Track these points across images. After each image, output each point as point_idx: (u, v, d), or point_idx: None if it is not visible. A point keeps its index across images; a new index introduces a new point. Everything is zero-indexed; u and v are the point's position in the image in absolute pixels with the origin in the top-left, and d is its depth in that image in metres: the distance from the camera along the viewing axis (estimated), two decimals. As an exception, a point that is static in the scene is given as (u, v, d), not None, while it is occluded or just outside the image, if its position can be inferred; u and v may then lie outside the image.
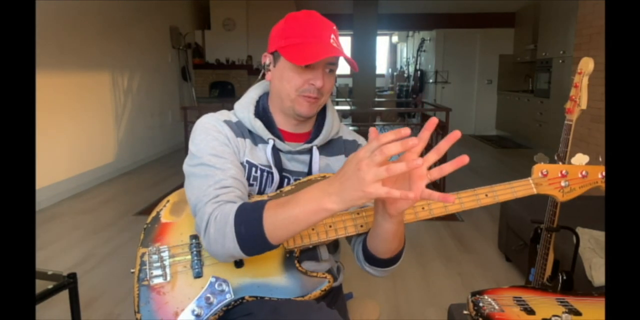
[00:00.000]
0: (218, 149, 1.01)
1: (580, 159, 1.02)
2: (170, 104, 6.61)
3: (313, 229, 0.99)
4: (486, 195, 0.99)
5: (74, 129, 4.38)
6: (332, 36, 1.00)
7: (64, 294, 1.51)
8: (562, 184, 1.01)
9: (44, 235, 3.21)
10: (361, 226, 0.99)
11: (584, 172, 1.00)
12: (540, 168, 1.01)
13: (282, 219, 0.82)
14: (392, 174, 0.68)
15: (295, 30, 1.01)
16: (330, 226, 0.99)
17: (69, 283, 1.51)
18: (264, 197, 1.04)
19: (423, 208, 0.99)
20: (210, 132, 1.03)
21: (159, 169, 5.48)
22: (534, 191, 1.00)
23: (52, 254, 2.90)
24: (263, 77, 1.11)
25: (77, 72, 4.44)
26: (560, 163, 1.03)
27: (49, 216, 3.65)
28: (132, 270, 1.02)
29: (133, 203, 4.03)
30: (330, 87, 1.04)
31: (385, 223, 0.89)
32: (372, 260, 1.01)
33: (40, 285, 1.46)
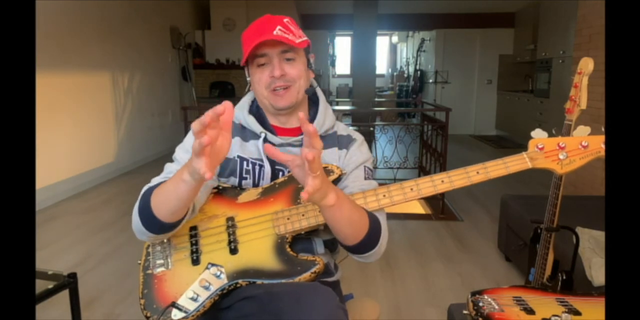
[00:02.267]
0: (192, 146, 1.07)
1: (582, 130, 0.99)
2: (170, 104, 6.61)
3: (303, 215, 1.03)
4: (477, 172, 0.99)
5: (74, 129, 4.38)
6: (279, 27, 1.05)
7: (64, 294, 1.51)
8: (560, 156, 0.98)
9: (44, 235, 3.21)
10: None
11: (584, 143, 0.97)
12: (535, 142, 0.99)
13: (160, 192, 0.93)
14: (201, 144, 0.76)
15: (246, 39, 1.08)
16: (319, 211, 1.01)
17: (69, 283, 1.51)
18: (259, 190, 1.10)
19: (412, 189, 1.01)
20: None
21: (159, 169, 5.41)
22: (529, 165, 0.98)
23: (52, 254, 2.90)
24: (249, 89, 1.18)
25: (78, 72, 4.44)
26: (559, 137, 1.00)
27: (49, 216, 3.65)
28: (138, 261, 1.08)
29: (133, 203, 4.02)
30: (298, 73, 1.08)
31: (321, 210, 0.95)
32: (344, 247, 1.06)
33: (40, 285, 1.46)
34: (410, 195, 1.00)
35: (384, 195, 1.02)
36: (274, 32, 1.04)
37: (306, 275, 1.00)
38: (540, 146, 0.98)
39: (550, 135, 1.02)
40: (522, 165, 0.98)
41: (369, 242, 1.02)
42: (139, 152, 5.65)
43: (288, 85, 1.08)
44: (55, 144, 4.07)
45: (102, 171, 4.83)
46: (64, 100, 4.22)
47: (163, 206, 0.94)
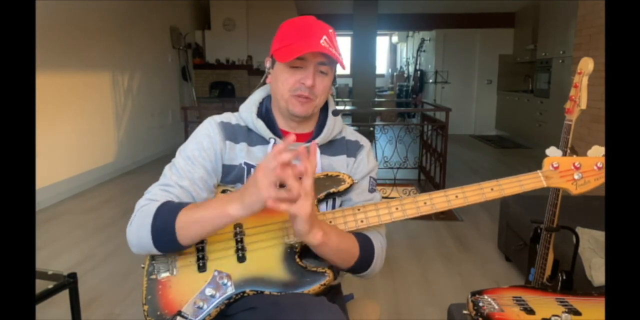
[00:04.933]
0: (195, 153, 1.07)
1: (597, 151, 0.99)
2: (170, 104, 6.60)
3: None
4: (492, 189, 0.99)
5: (75, 128, 4.38)
6: (325, 37, 1.02)
7: (64, 294, 1.51)
8: (575, 176, 0.98)
9: (44, 235, 3.21)
10: (361, 221, 1.01)
11: (599, 164, 0.97)
12: (551, 160, 0.99)
13: (191, 219, 0.92)
14: (275, 175, 0.81)
15: (288, 33, 1.05)
16: (330, 222, 1.01)
17: (69, 283, 1.51)
18: None
19: (425, 203, 1.00)
20: (198, 136, 1.10)
21: (159, 169, 5.39)
22: (544, 184, 0.98)
23: (52, 254, 2.90)
24: (265, 81, 1.15)
25: (78, 72, 4.44)
26: (574, 156, 1.00)
27: (49, 216, 3.65)
28: (142, 265, 1.05)
29: (133, 203, 4.01)
30: (324, 89, 1.07)
31: (310, 246, 0.96)
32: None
33: (41, 285, 1.46)
34: (423, 210, 0.99)
35: (397, 209, 1.01)
36: (321, 42, 1.01)
37: (315, 287, 0.99)
38: (555, 165, 0.98)
39: (565, 154, 1.01)
40: (536, 184, 0.98)
41: (360, 266, 1.05)
42: (139, 152, 5.64)
43: (311, 98, 1.06)
44: (55, 144, 4.07)
45: (102, 171, 4.83)
46: (64, 100, 4.22)
47: (191, 233, 0.94)
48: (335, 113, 1.15)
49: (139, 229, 0.97)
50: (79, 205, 3.99)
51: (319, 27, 1.04)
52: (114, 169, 5.06)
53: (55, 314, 2.10)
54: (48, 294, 1.44)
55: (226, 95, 7.52)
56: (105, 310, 2.24)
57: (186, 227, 0.92)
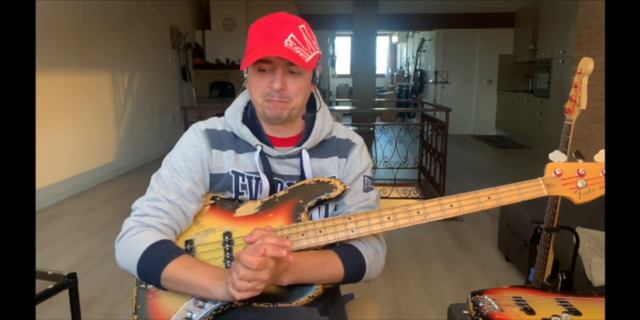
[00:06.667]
0: (181, 164, 1.05)
1: (604, 156, 0.93)
2: (170, 104, 6.61)
3: (303, 235, 0.99)
4: (489, 197, 0.94)
5: (74, 129, 4.38)
6: (291, 35, 0.97)
7: (64, 294, 1.51)
8: (579, 184, 0.92)
9: (44, 235, 3.21)
10: (352, 231, 0.98)
11: (605, 170, 0.92)
12: (553, 167, 0.93)
13: (178, 276, 0.92)
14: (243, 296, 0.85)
15: (254, 36, 1.00)
16: (320, 231, 0.98)
17: (69, 283, 1.51)
18: (257, 203, 1.05)
19: (418, 212, 0.96)
20: (183, 146, 1.07)
21: (158, 169, 5.47)
22: (545, 193, 0.93)
23: (52, 254, 2.90)
24: (245, 87, 1.11)
25: (78, 72, 4.44)
26: (580, 161, 0.94)
27: (49, 216, 3.65)
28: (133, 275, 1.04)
29: (133, 203, 4.03)
30: (298, 89, 1.01)
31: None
32: None
33: (40, 285, 1.46)
34: (416, 219, 0.95)
35: (389, 218, 0.97)
36: (285, 41, 0.96)
37: (303, 300, 0.97)
38: (558, 172, 0.92)
39: (570, 159, 0.95)
40: (537, 192, 0.93)
41: (350, 280, 1.04)
42: (139, 152, 5.65)
43: (284, 101, 1.01)
44: (55, 144, 4.07)
45: (102, 171, 4.83)
46: (64, 100, 4.22)
47: (174, 287, 0.95)
48: (305, 118, 1.09)
49: (126, 258, 0.98)
50: (79, 206, 3.99)
51: (287, 26, 0.98)
52: (114, 169, 5.06)
53: (55, 314, 2.10)
54: (48, 294, 1.44)
55: (226, 95, 7.51)
56: (105, 310, 2.24)
57: (170, 281, 0.93)
